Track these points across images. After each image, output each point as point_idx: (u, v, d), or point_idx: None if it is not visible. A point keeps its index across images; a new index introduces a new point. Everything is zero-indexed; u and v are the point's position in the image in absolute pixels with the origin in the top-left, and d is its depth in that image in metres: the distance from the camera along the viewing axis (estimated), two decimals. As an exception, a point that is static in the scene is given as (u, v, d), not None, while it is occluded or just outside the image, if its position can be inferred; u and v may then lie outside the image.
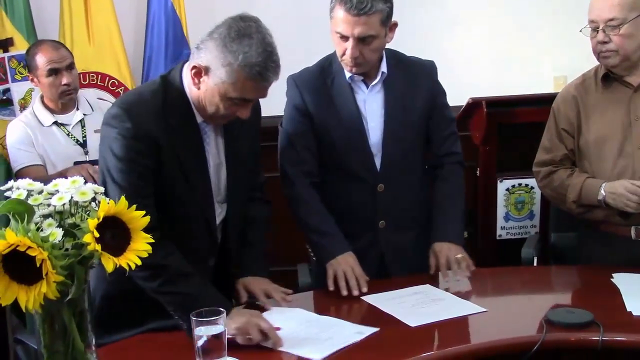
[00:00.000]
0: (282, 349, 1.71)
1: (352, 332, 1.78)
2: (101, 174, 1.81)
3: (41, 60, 2.90)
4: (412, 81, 2.25)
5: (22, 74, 3.19)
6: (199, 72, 1.75)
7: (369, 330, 1.79)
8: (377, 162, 2.23)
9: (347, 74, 2.19)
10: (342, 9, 2.04)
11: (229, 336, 1.62)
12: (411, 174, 2.28)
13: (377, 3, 2.03)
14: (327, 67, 2.24)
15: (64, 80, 2.89)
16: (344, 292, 2.04)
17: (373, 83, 2.21)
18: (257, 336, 1.70)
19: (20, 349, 2.02)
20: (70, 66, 2.94)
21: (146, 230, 1.29)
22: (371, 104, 2.22)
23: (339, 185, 2.25)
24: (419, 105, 2.25)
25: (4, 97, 3.38)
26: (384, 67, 2.21)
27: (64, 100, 2.95)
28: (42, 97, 3.03)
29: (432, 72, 2.31)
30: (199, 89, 1.77)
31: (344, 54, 2.11)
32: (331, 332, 1.79)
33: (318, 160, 2.25)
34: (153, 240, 1.29)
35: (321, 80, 2.22)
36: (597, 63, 2.35)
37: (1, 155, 3.34)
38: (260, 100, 1.93)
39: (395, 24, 2.14)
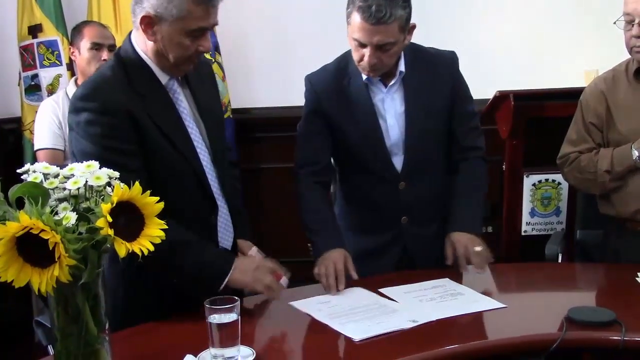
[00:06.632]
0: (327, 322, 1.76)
1: (405, 320, 1.77)
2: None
3: (88, 33, 3.02)
4: (432, 75, 2.20)
5: (51, 60, 3.23)
6: (150, 22, 1.72)
7: (424, 319, 1.77)
8: (399, 160, 2.20)
9: (364, 76, 2.15)
10: (360, 16, 1.97)
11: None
12: (434, 170, 2.26)
13: (396, 10, 1.96)
14: (343, 67, 2.19)
15: (104, 57, 3.01)
16: (327, 291, 1.98)
17: (391, 83, 2.17)
18: (263, 291, 1.82)
19: (40, 331, 2.04)
20: (112, 47, 3.04)
21: None
22: (390, 103, 2.18)
23: (362, 183, 2.25)
24: (439, 100, 2.20)
25: (32, 83, 3.42)
26: (401, 67, 2.16)
27: None
28: (76, 80, 3.09)
29: (453, 62, 2.24)
30: (155, 40, 1.75)
31: (361, 59, 2.06)
32: (383, 316, 1.80)
33: (334, 158, 2.26)
34: (166, 227, 1.29)
35: (338, 81, 2.18)
36: (629, 57, 2.30)
37: (29, 140, 3.39)
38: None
39: (414, 26, 2.08)
